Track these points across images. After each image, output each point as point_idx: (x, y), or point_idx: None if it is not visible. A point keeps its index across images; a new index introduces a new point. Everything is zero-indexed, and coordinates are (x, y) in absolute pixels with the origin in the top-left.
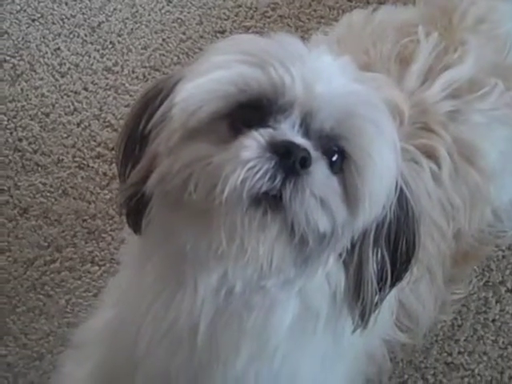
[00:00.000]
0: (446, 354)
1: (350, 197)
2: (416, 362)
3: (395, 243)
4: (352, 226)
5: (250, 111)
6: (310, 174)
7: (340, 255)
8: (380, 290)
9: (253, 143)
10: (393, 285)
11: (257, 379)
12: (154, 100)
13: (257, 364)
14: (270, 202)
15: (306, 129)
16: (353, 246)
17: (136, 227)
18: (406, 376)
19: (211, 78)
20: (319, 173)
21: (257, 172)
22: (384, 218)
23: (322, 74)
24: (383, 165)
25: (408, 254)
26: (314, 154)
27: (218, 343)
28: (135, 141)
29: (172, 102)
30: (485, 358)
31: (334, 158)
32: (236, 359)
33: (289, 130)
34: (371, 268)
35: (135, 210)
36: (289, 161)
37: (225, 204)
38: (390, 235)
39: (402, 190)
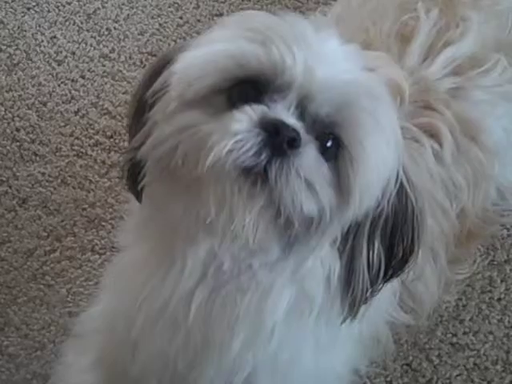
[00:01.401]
0: (450, 335)
1: (342, 185)
2: (421, 343)
3: (391, 239)
4: (342, 214)
5: (247, 88)
6: (297, 155)
7: (334, 243)
8: (373, 284)
9: (244, 117)
10: (386, 280)
11: (254, 363)
12: (161, 69)
13: (253, 348)
14: (258, 174)
15: (301, 111)
16: (347, 235)
17: (135, 193)
18: (410, 357)
19: (211, 50)
20: (308, 155)
21: (242, 145)
22: (381, 212)
23: (325, 58)
24: (378, 158)
25: (405, 252)
26: (305, 136)
27: (213, 326)
28: (143, 109)
29: (171, 71)
30: (490, 338)
31: (328, 144)
32: (231, 343)
33: (283, 110)
34: (364, 260)
35: (132, 176)
36: (277, 139)
37: (212, 173)
38: (386, 230)
39: (402, 185)
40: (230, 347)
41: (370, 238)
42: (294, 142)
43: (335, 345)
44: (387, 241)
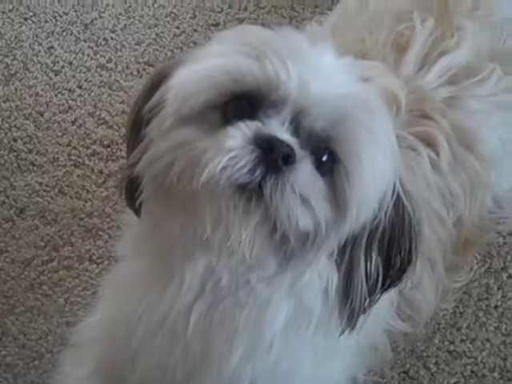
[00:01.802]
0: (448, 342)
1: (338, 200)
2: (418, 351)
3: (389, 250)
4: (339, 228)
5: (242, 103)
6: (292, 171)
7: (332, 255)
8: (371, 294)
9: (238, 134)
10: (384, 290)
11: (253, 374)
12: (158, 84)
13: (252, 360)
14: (253, 191)
15: (296, 126)
16: (344, 248)
17: (133, 208)
18: (408, 365)
19: (206, 65)
20: (303, 171)
21: (236, 162)
22: (378, 224)
23: (320, 72)
24: (374, 171)
25: (403, 263)
26: (300, 152)
27: (212, 339)
28: (140, 124)
29: (167, 87)
30: (487, 345)
31: (324, 159)
32: (230, 356)
33: (277, 126)
34: (362, 271)
35: (130, 191)
36: (271, 156)
37: (207, 190)
38: (383, 242)
39: (399, 196)
40: (229, 360)
41: (367, 249)
42: (288, 158)
43: (333, 355)
44: (385, 252)
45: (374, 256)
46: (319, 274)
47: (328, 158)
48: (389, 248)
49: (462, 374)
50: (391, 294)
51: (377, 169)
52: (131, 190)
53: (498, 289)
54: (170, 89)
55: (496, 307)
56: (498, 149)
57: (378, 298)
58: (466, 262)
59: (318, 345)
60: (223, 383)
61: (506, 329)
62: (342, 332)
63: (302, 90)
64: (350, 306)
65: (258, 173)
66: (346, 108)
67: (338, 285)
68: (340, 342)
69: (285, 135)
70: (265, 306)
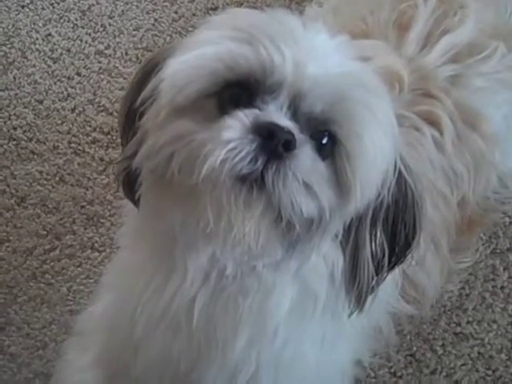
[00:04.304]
0: (454, 325)
1: (341, 182)
2: (424, 334)
3: (393, 227)
4: (343, 211)
5: (237, 90)
6: (293, 157)
7: (337, 237)
8: (377, 273)
9: (236, 124)
10: (391, 268)
11: (258, 363)
12: (149, 74)
13: (257, 347)
14: (255, 181)
15: (294, 111)
16: (349, 228)
17: (132, 200)
18: (414, 348)
19: (198, 53)
20: (304, 156)
21: (237, 153)
22: (382, 202)
23: (315, 53)
24: (376, 150)
25: (408, 238)
26: (300, 137)
27: (216, 328)
28: (134, 116)
29: (159, 78)
30: (494, 327)
31: (324, 141)
32: (234, 344)
33: (275, 112)
34: (368, 251)
35: (128, 184)
36: (272, 143)
37: (208, 182)
38: (387, 219)
39: (400, 173)
40: (234, 347)
41: (372, 228)
42: (289, 145)
43: (338, 340)
44: (389, 229)
45: (378, 234)
46: (324, 257)
47: (328, 140)
48: (393, 225)
49: (468, 355)
50: (395, 276)
51: (378, 147)
52: (129, 182)
53: (504, 270)
54: (162, 79)
55: (502, 288)
56: (503, 127)
57: (386, 277)
58: (471, 243)
59: (324, 330)
60: (227, 372)
61: None
62: (351, 314)
63: (297, 73)
64: (358, 286)
65: (259, 162)
66: (344, 88)
67: (344, 266)
68: (345, 325)
69: (284, 121)
70: (269, 292)
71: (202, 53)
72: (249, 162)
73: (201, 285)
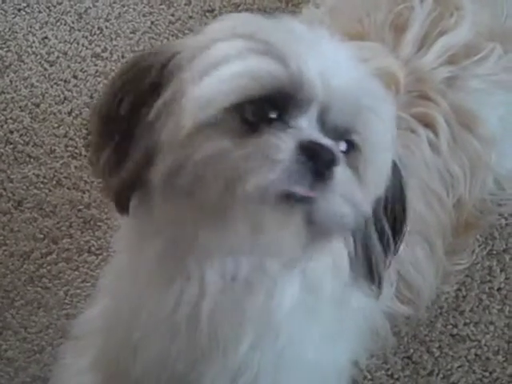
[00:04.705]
0: (451, 326)
1: (360, 184)
2: (421, 336)
3: (392, 212)
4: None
5: (264, 104)
6: (335, 174)
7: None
8: (386, 253)
9: (282, 143)
10: (396, 249)
11: (260, 363)
12: (139, 79)
13: (260, 348)
14: (296, 200)
15: (322, 124)
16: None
17: (123, 210)
18: (411, 350)
19: (226, 72)
20: (341, 170)
21: (287, 174)
22: (386, 191)
23: (335, 64)
24: (386, 153)
25: (402, 216)
26: (338, 153)
27: (219, 330)
28: (115, 124)
29: (180, 93)
30: (491, 328)
31: (343, 148)
32: (238, 345)
33: (310, 128)
34: (376, 240)
35: (122, 197)
36: (317, 164)
37: (250, 202)
38: (387, 207)
39: (395, 162)
40: (237, 351)
41: (376, 219)
42: (332, 163)
43: (339, 338)
44: (389, 215)
45: (381, 223)
46: (329, 251)
47: (346, 147)
48: (392, 211)
49: (465, 357)
50: (390, 276)
51: (387, 149)
52: (123, 196)
53: (501, 271)
54: (184, 97)
55: (499, 289)
56: (499, 129)
57: (393, 257)
58: (468, 245)
59: (326, 328)
60: (229, 373)
61: (509, 311)
62: (377, 296)
63: (325, 87)
64: (376, 274)
65: (305, 182)
66: (362, 98)
67: (356, 254)
68: (345, 324)
69: (325, 139)
70: (273, 290)
71: (230, 71)
72: (296, 182)
73: (212, 289)
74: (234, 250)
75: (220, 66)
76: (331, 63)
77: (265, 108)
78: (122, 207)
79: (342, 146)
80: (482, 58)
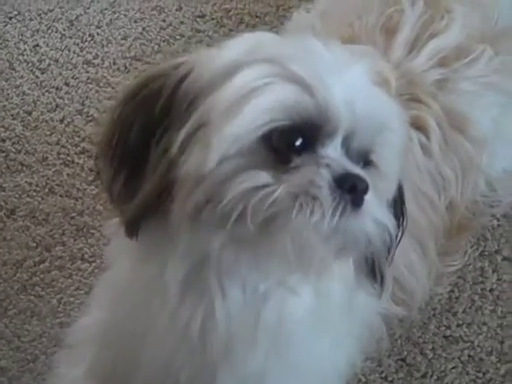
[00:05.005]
0: (444, 328)
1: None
2: (414, 338)
3: (395, 209)
4: None
5: (290, 133)
6: (367, 201)
7: None
8: (389, 251)
9: (319, 180)
10: (397, 246)
11: (271, 371)
12: (149, 104)
13: (273, 357)
14: (339, 229)
15: (346, 148)
16: None
17: (133, 235)
18: (405, 352)
19: (256, 107)
20: (371, 196)
21: (329, 209)
22: None
23: (359, 91)
24: (398, 163)
25: (402, 213)
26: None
27: (234, 340)
28: (124, 154)
29: (206, 126)
30: (484, 329)
31: (361, 166)
32: (252, 354)
33: (338, 155)
34: None
35: (136, 224)
36: (354, 195)
37: (289, 234)
38: (392, 206)
39: None
40: (252, 357)
41: None
42: (365, 192)
43: (343, 341)
44: (394, 211)
45: None
46: None
47: (364, 164)
48: (395, 209)
49: (459, 358)
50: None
51: (399, 161)
52: (135, 223)
53: (493, 272)
54: (208, 127)
55: (491, 290)
56: (490, 130)
57: (394, 254)
58: (460, 246)
59: (335, 333)
60: (240, 381)
61: (501, 311)
62: (380, 296)
63: (350, 115)
64: (379, 273)
65: (345, 213)
66: (382, 120)
67: (359, 262)
68: (352, 326)
69: (356, 169)
70: (286, 299)
71: (259, 104)
72: (338, 214)
73: (233, 303)
74: (269, 271)
75: (248, 99)
76: (354, 89)
77: (292, 136)
78: (132, 232)
79: (361, 164)
80: (473, 60)
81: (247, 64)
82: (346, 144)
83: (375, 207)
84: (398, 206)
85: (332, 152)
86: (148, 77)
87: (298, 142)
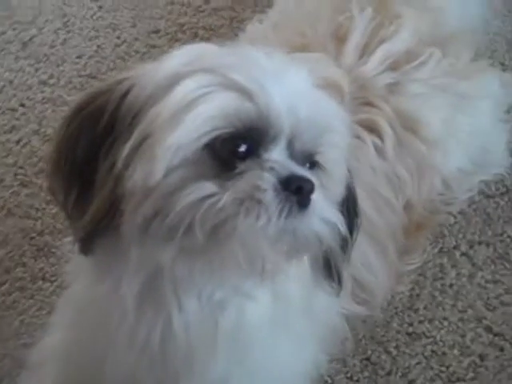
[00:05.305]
0: (406, 325)
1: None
2: (378, 337)
3: (346, 209)
4: None
5: (234, 140)
6: (313, 200)
7: None
8: (344, 250)
9: (264, 184)
10: (353, 243)
11: (234, 377)
12: (92, 123)
13: (234, 366)
14: (286, 230)
15: (290, 151)
16: None
17: (88, 252)
18: (369, 351)
19: (197, 116)
20: (317, 195)
21: (275, 211)
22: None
23: (299, 95)
24: (344, 163)
25: (355, 212)
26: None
27: (194, 351)
28: (75, 165)
29: (149, 139)
30: (445, 324)
31: (307, 167)
32: (213, 365)
33: (282, 159)
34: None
35: (89, 241)
36: (300, 196)
37: (239, 239)
38: (342, 205)
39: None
40: (213, 369)
41: None
42: (312, 192)
43: (305, 342)
44: (345, 213)
45: None
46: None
47: (309, 165)
48: (347, 208)
49: (422, 354)
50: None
51: (344, 160)
52: (88, 239)
53: (452, 267)
54: (151, 139)
55: (451, 285)
56: (442, 130)
57: (351, 251)
58: (419, 245)
59: (296, 337)
60: None
61: (462, 306)
62: (337, 294)
63: (293, 119)
64: (335, 271)
65: (292, 214)
66: (326, 122)
67: (315, 257)
68: (309, 330)
69: (301, 170)
70: (244, 304)
71: (200, 114)
72: (284, 216)
73: (188, 314)
74: (223, 278)
75: (189, 109)
76: (295, 94)
77: (235, 143)
78: (87, 249)
79: (307, 165)
80: (422, 63)
81: (188, 75)
82: (290, 147)
83: (323, 207)
84: (350, 206)
85: (276, 156)
86: (92, 93)
87: (242, 149)
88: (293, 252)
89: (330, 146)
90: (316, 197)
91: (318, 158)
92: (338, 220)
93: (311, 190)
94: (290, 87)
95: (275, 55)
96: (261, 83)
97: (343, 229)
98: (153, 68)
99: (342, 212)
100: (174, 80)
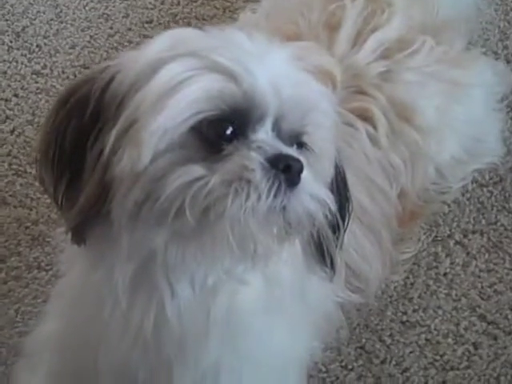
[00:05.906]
0: (400, 314)
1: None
2: (372, 325)
3: (337, 193)
4: None
5: (220, 122)
6: (302, 180)
7: None
8: (336, 234)
9: (251, 164)
10: (346, 228)
11: (228, 361)
12: (79, 111)
13: (227, 352)
14: (276, 209)
15: (277, 131)
16: None
17: (80, 241)
18: (363, 340)
19: (182, 99)
20: (307, 175)
21: (264, 191)
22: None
23: (283, 75)
24: (331, 143)
25: (346, 195)
26: (302, 159)
27: (187, 337)
28: (62, 161)
29: (135, 124)
30: (439, 313)
31: (295, 148)
32: (206, 351)
33: (269, 139)
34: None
35: (81, 230)
36: (288, 175)
37: (229, 221)
38: (332, 189)
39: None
40: (207, 352)
41: None
42: (300, 171)
43: (300, 328)
44: (336, 194)
45: None
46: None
47: (297, 146)
48: (338, 191)
49: (416, 343)
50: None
51: (332, 141)
52: (80, 228)
53: (446, 256)
54: (141, 128)
55: (445, 274)
56: (436, 118)
57: (344, 236)
58: (413, 233)
59: (289, 321)
60: (197, 375)
61: (456, 294)
62: (331, 279)
63: (278, 100)
64: (328, 255)
65: (281, 193)
66: (311, 102)
67: (307, 240)
68: (303, 316)
69: (289, 149)
70: (237, 288)
71: (185, 96)
72: (273, 195)
73: (182, 299)
74: (215, 262)
75: (174, 92)
76: (279, 74)
77: (221, 125)
78: (79, 239)
79: (294, 146)
80: (414, 51)
81: (171, 59)
82: (277, 127)
83: (312, 184)
84: (340, 186)
85: (263, 136)
86: (77, 83)
87: (229, 131)
88: (284, 233)
89: (315, 125)
90: (305, 175)
91: (305, 138)
92: (328, 197)
93: (300, 169)
94: (274, 68)
95: (257, 37)
96: (244, 65)
97: (333, 206)
98: (136, 54)
99: (331, 191)
100: (158, 65)
